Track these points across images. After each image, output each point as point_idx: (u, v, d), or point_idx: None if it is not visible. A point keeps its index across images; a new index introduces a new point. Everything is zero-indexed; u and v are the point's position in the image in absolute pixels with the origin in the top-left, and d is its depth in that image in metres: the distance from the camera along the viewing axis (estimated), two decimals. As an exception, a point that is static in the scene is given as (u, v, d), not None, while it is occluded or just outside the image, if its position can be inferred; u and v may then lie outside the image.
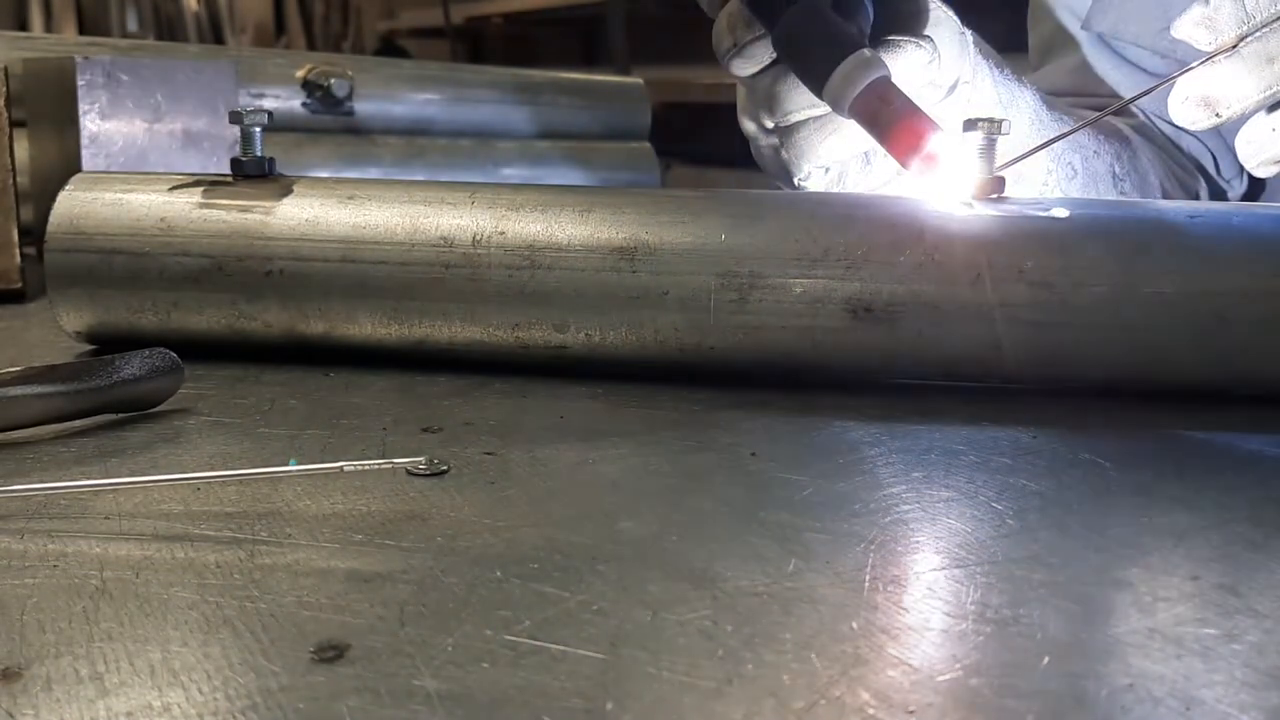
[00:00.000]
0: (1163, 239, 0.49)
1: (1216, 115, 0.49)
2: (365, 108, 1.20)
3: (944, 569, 0.34)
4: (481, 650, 0.28)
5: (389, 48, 4.48)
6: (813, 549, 0.35)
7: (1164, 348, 0.49)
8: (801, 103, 0.56)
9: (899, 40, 0.55)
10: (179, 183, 0.57)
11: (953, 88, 0.59)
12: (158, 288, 0.55)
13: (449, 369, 0.54)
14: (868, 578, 0.33)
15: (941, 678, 0.27)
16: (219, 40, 4.49)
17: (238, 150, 0.57)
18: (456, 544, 0.35)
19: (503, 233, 0.52)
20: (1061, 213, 0.50)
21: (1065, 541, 0.36)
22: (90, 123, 0.82)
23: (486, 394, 0.51)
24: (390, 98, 1.24)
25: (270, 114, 0.58)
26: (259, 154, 0.57)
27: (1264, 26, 0.47)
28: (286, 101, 1.15)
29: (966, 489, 0.40)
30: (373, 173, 1.19)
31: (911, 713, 0.26)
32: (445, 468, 0.41)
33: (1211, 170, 0.79)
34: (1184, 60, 0.51)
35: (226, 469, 0.41)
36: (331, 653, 0.28)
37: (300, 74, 1.15)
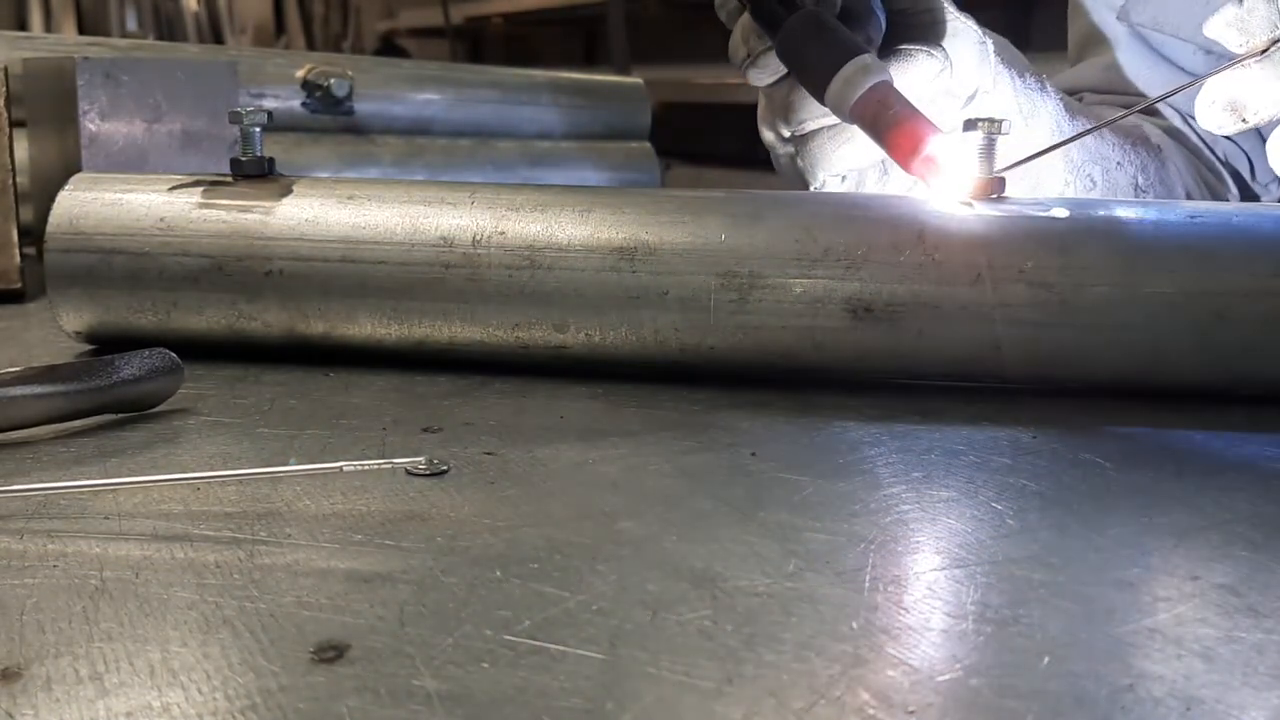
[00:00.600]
0: (1163, 239, 0.49)
1: (1243, 120, 0.49)
2: (365, 108, 1.20)
3: (944, 569, 0.34)
4: (481, 650, 0.28)
5: (389, 48, 4.49)
6: (813, 549, 0.35)
7: (1164, 348, 0.49)
8: (815, 111, 0.56)
9: (910, 49, 0.56)
10: (179, 183, 0.56)
11: (971, 97, 0.59)
12: (157, 288, 0.55)
13: (449, 369, 0.54)
14: (868, 578, 0.33)
15: (941, 678, 0.27)
16: (219, 40, 4.49)
17: (238, 150, 0.57)
18: (456, 544, 0.35)
19: (503, 233, 0.52)
20: (1061, 213, 0.50)
21: (1065, 541, 0.36)
22: (90, 123, 0.82)
23: (486, 394, 0.51)
24: (390, 98, 1.24)
25: (270, 114, 0.58)
26: (259, 154, 0.57)
27: None
28: (286, 101, 1.14)
29: (966, 489, 0.40)
30: (373, 173, 1.19)
31: (911, 713, 0.26)
32: (445, 468, 0.41)
33: (1246, 175, 0.78)
34: (1225, 56, 0.50)
35: (226, 469, 0.41)
36: (331, 653, 0.28)
37: (300, 74, 1.15)
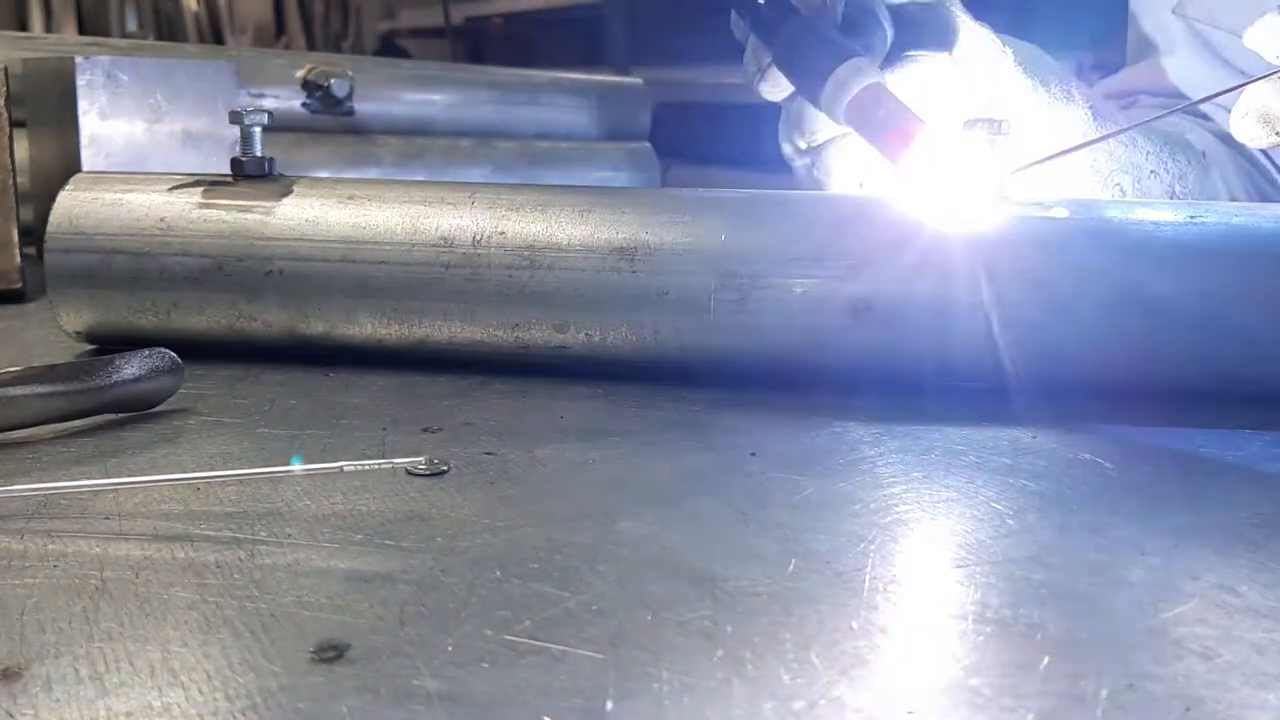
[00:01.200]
0: (1163, 239, 0.49)
1: (1276, 134, 0.48)
2: (365, 108, 1.20)
3: (944, 569, 0.34)
4: (481, 650, 0.28)
5: (389, 48, 4.48)
6: (813, 549, 0.35)
7: (1164, 348, 0.49)
8: (825, 122, 0.57)
9: (916, 55, 0.56)
10: (179, 183, 0.57)
11: (989, 106, 0.59)
12: (157, 288, 0.55)
13: (449, 369, 0.54)
14: (868, 578, 0.33)
15: (941, 678, 0.27)
16: (219, 40, 4.49)
17: (238, 150, 0.57)
18: (456, 544, 0.35)
19: (503, 233, 0.52)
20: (1061, 213, 0.50)
21: (1065, 541, 0.36)
22: (90, 123, 0.82)
23: (486, 394, 0.51)
24: (390, 98, 1.24)
25: (270, 114, 0.58)
26: (259, 154, 0.57)
27: None
28: (286, 101, 1.14)
29: (966, 489, 0.40)
30: (373, 173, 1.19)
31: (911, 713, 0.26)
32: (445, 468, 0.41)
33: None
34: None
35: (226, 469, 0.41)
36: (331, 653, 0.28)
37: (300, 74, 1.15)
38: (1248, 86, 0.48)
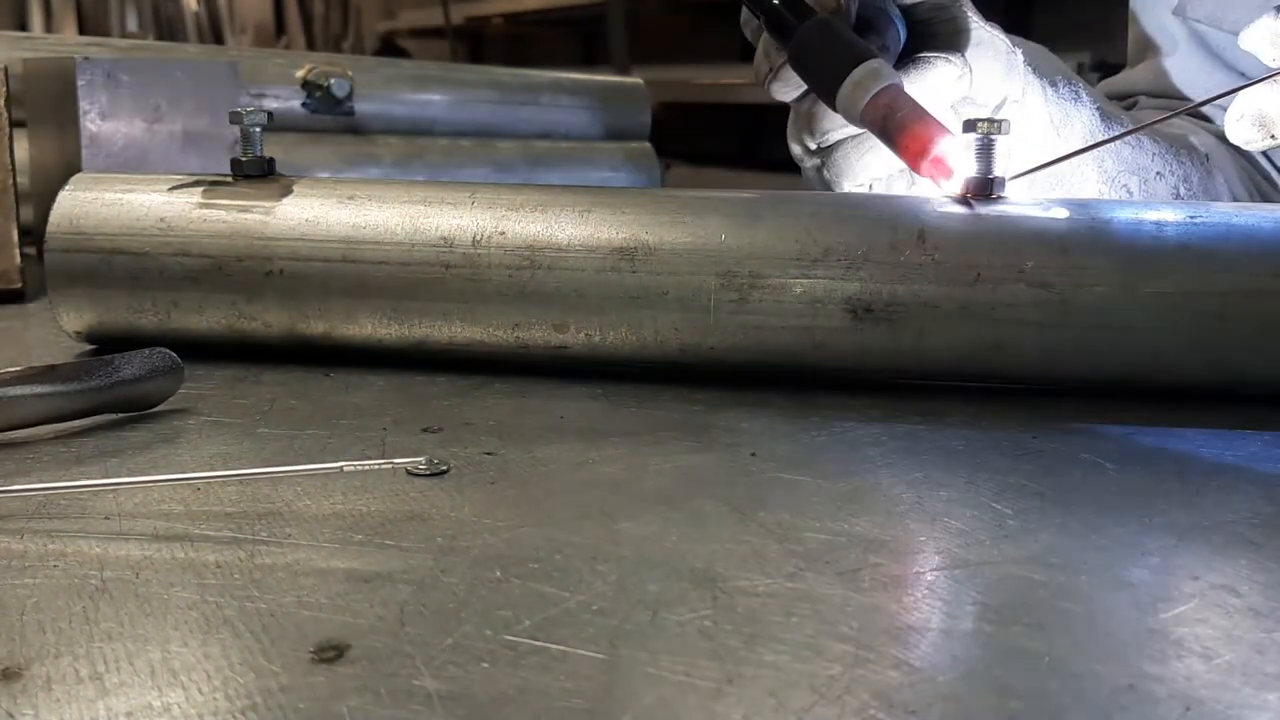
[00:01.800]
0: (1163, 239, 0.49)
1: (1271, 137, 0.47)
2: (365, 108, 1.20)
3: (944, 569, 0.34)
4: (481, 650, 0.28)
5: (389, 48, 4.49)
6: (813, 549, 0.35)
7: (1164, 348, 0.49)
8: (837, 123, 0.56)
9: (929, 56, 0.56)
10: (179, 183, 0.57)
11: (999, 107, 0.59)
12: (158, 288, 0.55)
13: (449, 369, 0.54)
14: (868, 578, 0.33)
15: (941, 678, 0.27)
16: (219, 40, 4.49)
17: (238, 150, 0.57)
18: (456, 544, 0.35)
19: (503, 233, 0.52)
20: (1061, 213, 0.50)
21: (1065, 541, 0.36)
22: (90, 123, 0.82)
23: (486, 394, 0.51)
24: (390, 98, 1.24)
25: (270, 114, 0.58)
26: (259, 154, 0.57)
27: None
28: (286, 101, 1.14)
29: (966, 489, 0.40)
30: (373, 173, 1.19)
31: (912, 713, 0.26)
32: (445, 468, 0.41)
33: None
34: None
35: (226, 469, 0.41)
36: (331, 653, 0.28)
37: (300, 74, 1.15)
38: (1244, 89, 0.48)
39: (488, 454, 0.43)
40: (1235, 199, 0.71)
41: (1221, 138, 0.71)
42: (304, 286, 0.54)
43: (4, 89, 0.72)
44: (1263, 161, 0.75)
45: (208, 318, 0.55)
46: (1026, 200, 0.51)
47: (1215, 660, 0.28)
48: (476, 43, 4.82)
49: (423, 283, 0.53)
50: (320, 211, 0.54)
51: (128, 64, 0.83)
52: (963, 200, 0.51)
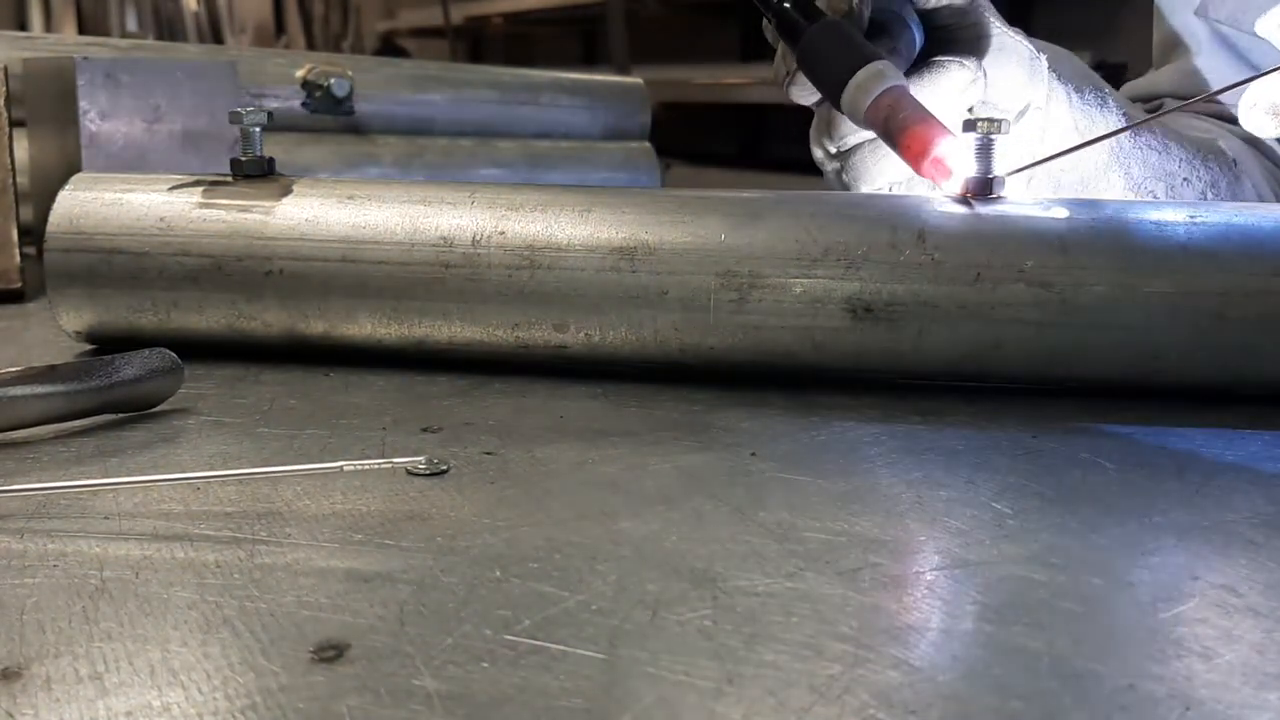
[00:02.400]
0: (1163, 239, 0.49)
1: None
2: (365, 108, 1.20)
3: (944, 569, 0.34)
4: (481, 650, 0.28)
5: (389, 48, 4.49)
6: (813, 549, 0.35)
7: (1164, 348, 0.49)
8: (853, 126, 0.56)
9: (943, 60, 0.56)
10: (179, 183, 0.57)
11: (1022, 112, 0.59)
12: (157, 287, 0.55)
13: (449, 369, 0.54)
14: (868, 578, 0.33)
15: (941, 678, 0.27)
16: (219, 40, 4.49)
17: (238, 150, 0.57)
18: (456, 544, 0.35)
19: (503, 233, 0.52)
20: (1061, 213, 0.50)
21: (1065, 541, 0.36)
22: (90, 123, 0.82)
23: (486, 394, 0.51)
24: (390, 98, 1.24)
25: (270, 114, 0.58)
26: (259, 154, 0.57)
27: None
28: (286, 101, 1.14)
29: (966, 489, 0.40)
30: (373, 173, 1.19)
31: (912, 713, 0.26)
32: (445, 468, 0.41)
33: None
34: None
35: (226, 469, 0.41)
36: (331, 653, 0.28)
37: (300, 74, 1.15)
38: (1257, 79, 0.48)
39: (488, 454, 0.43)
40: (1263, 202, 0.71)
41: (1249, 140, 0.71)
42: (304, 286, 0.54)
43: (4, 89, 0.72)
44: None
45: (207, 318, 0.55)
46: (1026, 200, 0.51)
47: (1215, 660, 0.28)
48: (476, 42, 4.82)
49: (422, 282, 0.53)
50: (320, 211, 0.54)
51: (127, 64, 0.83)
52: (963, 200, 0.51)
